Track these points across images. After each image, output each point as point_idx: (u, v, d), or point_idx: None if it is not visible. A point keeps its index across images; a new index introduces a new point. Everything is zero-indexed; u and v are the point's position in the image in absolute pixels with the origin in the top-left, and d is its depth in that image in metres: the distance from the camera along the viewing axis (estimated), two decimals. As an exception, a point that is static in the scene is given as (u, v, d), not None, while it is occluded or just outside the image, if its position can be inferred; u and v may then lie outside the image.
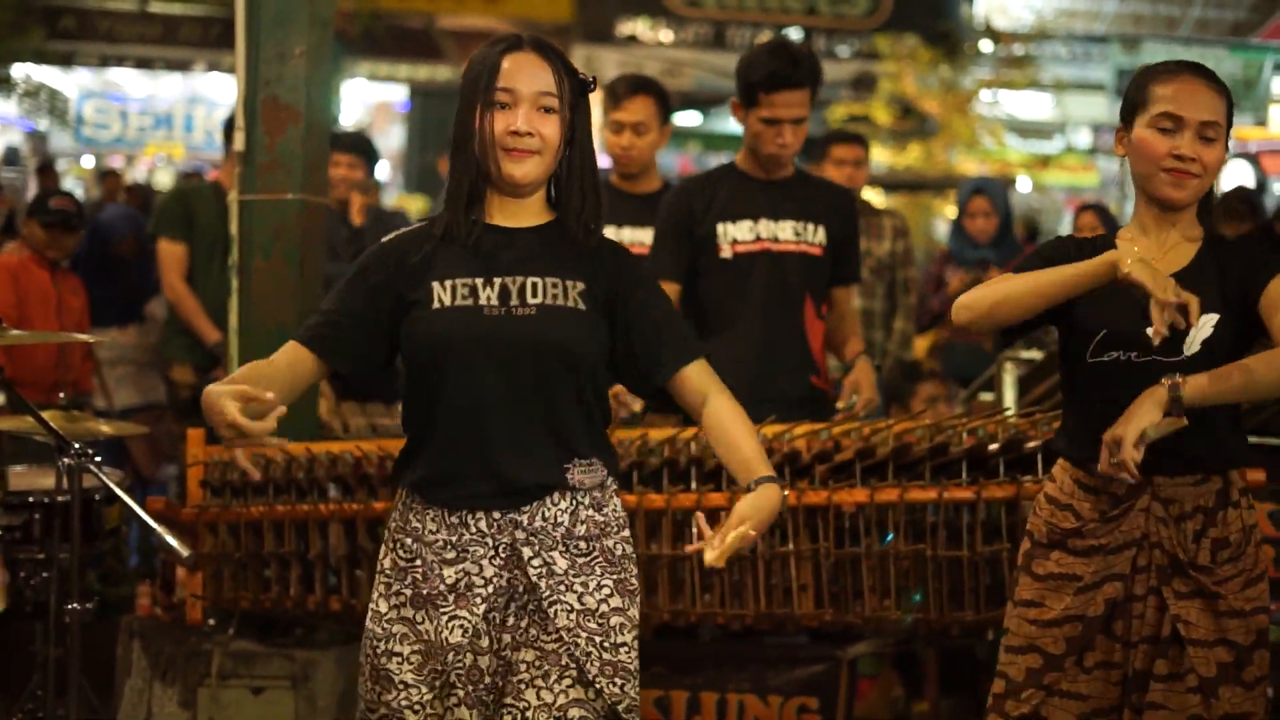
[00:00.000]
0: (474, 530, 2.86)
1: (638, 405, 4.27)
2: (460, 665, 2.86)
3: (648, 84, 5.45)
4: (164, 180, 20.19)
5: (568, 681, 2.84)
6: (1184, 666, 3.11)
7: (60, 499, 3.98)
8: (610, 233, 4.44)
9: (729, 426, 2.91)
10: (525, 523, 2.86)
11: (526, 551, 2.86)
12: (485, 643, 2.87)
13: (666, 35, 19.09)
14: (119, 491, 3.86)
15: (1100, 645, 3.16)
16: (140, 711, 4.50)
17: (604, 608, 2.88)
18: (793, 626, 4.29)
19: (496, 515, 2.86)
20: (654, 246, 4.73)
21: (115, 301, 7.01)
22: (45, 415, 3.85)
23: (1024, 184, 19.66)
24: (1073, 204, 11.80)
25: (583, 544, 2.90)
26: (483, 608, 2.85)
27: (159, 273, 6.45)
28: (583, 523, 2.90)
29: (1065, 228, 17.53)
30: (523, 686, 2.84)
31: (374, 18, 18.13)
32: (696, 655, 4.45)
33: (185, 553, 3.73)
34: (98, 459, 3.83)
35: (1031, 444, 4.05)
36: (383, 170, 19.60)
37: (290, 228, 4.67)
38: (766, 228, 4.62)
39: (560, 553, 2.87)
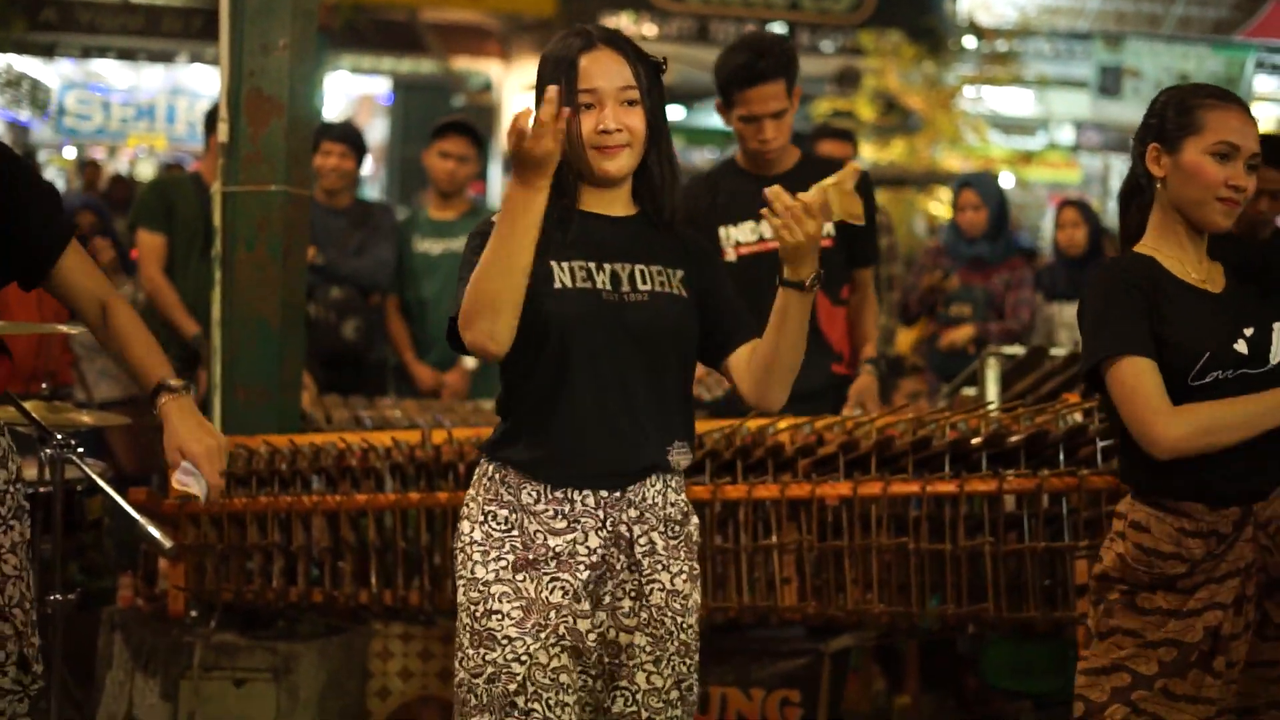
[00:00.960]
0: (582, 506, 2.91)
1: (720, 390, 4.26)
2: (566, 620, 2.88)
3: None
4: (146, 171, 20.13)
5: (667, 666, 2.93)
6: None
7: (42, 490, 3.97)
8: None
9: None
10: (634, 499, 2.93)
11: (636, 530, 2.92)
12: (586, 606, 2.90)
13: (650, 30, 19.07)
14: (100, 482, 3.84)
15: (1192, 678, 3.09)
16: (121, 703, 4.49)
17: (685, 589, 2.97)
18: (775, 620, 4.29)
19: (604, 494, 2.91)
20: None
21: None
22: (27, 405, 3.84)
23: (1007, 180, 19.66)
24: (1055, 199, 11.83)
25: (676, 527, 2.99)
26: (585, 574, 2.89)
27: (138, 264, 6.42)
28: (673, 505, 2.99)
29: (1047, 223, 17.57)
30: (635, 669, 2.91)
31: (357, 10, 18.10)
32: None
33: (167, 544, 3.72)
34: (80, 449, 3.82)
35: (1014, 438, 4.06)
36: (366, 163, 19.59)
37: (273, 219, 4.66)
38: (769, 226, 4.60)
39: (659, 533, 2.96)
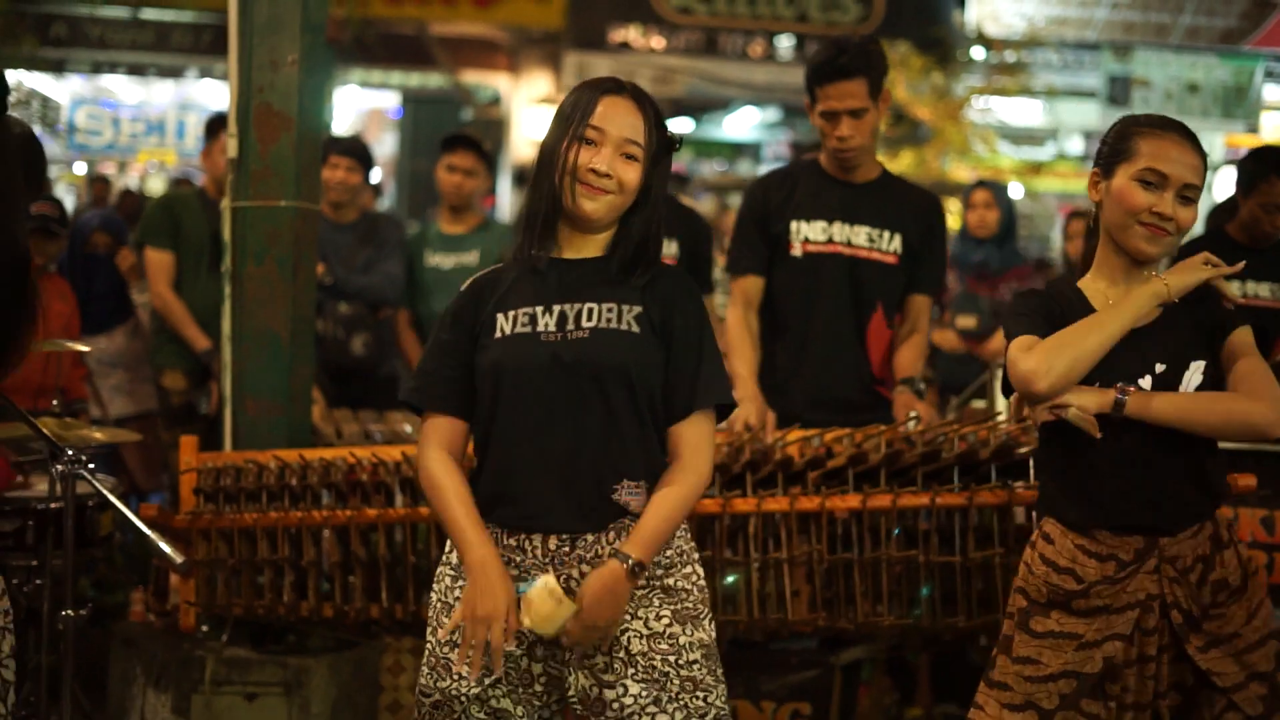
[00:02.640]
0: (533, 558, 2.94)
1: (770, 438, 4.24)
2: (512, 668, 2.93)
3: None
4: (156, 187, 20.17)
5: (671, 707, 2.91)
6: (1220, 708, 3.14)
7: (54, 505, 3.98)
8: None
9: (657, 499, 2.95)
10: (587, 556, 2.93)
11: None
12: (539, 651, 2.94)
13: (658, 42, 19.07)
14: (112, 498, 3.86)
15: (1085, 707, 3.15)
16: (134, 718, 4.50)
17: (669, 630, 2.94)
18: (786, 632, 4.29)
19: (554, 544, 2.93)
20: (733, 241, 4.77)
21: (99, 302, 6.97)
22: (39, 422, 3.85)
23: (1016, 190, 19.64)
24: (1065, 210, 11.84)
25: (640, 581, 2.95)
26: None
27: (146, 281, 6.44)
28: None
29: (1057, 234, 17.54)
30: (634, 718, 2.90)
31: (366, 25, 18.10)
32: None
33: (179, 559, 3.73)
34: (90, 465, 3.83)
35: (1023, 450, 4.06)
36: (374, 177, 19.61)
37: (283, 234, 4.68)
38: (840, 230, 4.62)
39: None
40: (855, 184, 4.67)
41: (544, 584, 2.83)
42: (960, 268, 7.64)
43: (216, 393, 5.34)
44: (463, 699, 2.92)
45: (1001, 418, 4.41)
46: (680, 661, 2.92)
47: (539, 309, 2.96)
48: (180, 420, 6.06)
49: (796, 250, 4.63)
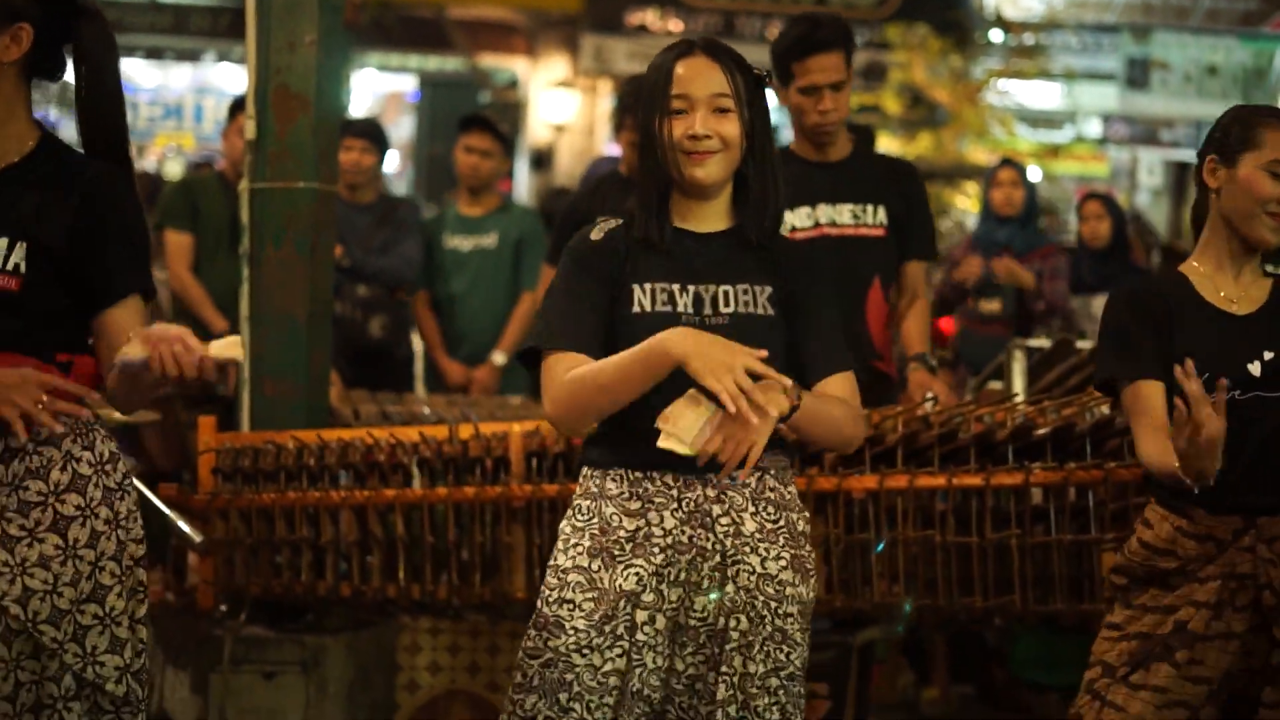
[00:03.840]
0: (658, 484, 2.92)
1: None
2: (628, 616, 2.89)
3: None
4: (174, 170, 20.17)
5: (769, 652, 2.90)
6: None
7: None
8: None
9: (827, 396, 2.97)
10: (713, 479, 2.91)
11: (716, 509, 2.91)
12: (651, 598, 2.90)
13: (676, 25, 19.04)
14: (134, 480, 3.87)
15: (1152, 669, 3.15)
16: (152, 698, 4.51)
17: (782, 575, 2.92)
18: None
19: (680, 475, 2.90)
20: None
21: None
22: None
23: (1034, 174, 19.60)
24: (1081, 193, 11.85)
25: (771, 509, 2.95)
26: (659, 558, 2.90)
27: (165, 263, 6.46)
28: (771, 490, 2.96)
29: (1074, 217, 17.50)
30: (733, 653, 2.89)
31: (384, 7, 18.10)
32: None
33: (197, 538, 3.76)
34: (109, 445, 3.84)
35: (1040, 431, 4.06)
36: (392, 160, 19.61)
37: (301, 216, 4.68)
38: (825, 213, 4.61)
39: (750, 515, 2.92)
40: (831, 163, 4.66)
41: (687, 395, 2.74)
42: (983, 249, 7.61)
43: (234, 375, 5.35)
44: (584, 651, 2.87)
45: (1018, 399, 4.41)
46: (780, 610, 2.91)
47: (675, 287, 2.94)
48: (198, 402, 6.07)
49: None
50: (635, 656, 2.91)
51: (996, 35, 19.26)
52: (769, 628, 2.91)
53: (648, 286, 2.94)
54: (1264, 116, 3.23)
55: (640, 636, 2.91)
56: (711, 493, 2.91)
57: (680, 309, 2.92)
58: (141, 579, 3.05)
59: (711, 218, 3.02)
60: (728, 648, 2.90)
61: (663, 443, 2.73)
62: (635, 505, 2.92)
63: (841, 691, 4.45)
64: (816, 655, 4.42)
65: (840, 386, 3.01)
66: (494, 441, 4.24)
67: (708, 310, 2.93)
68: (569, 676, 2.88)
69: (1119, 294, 3.35)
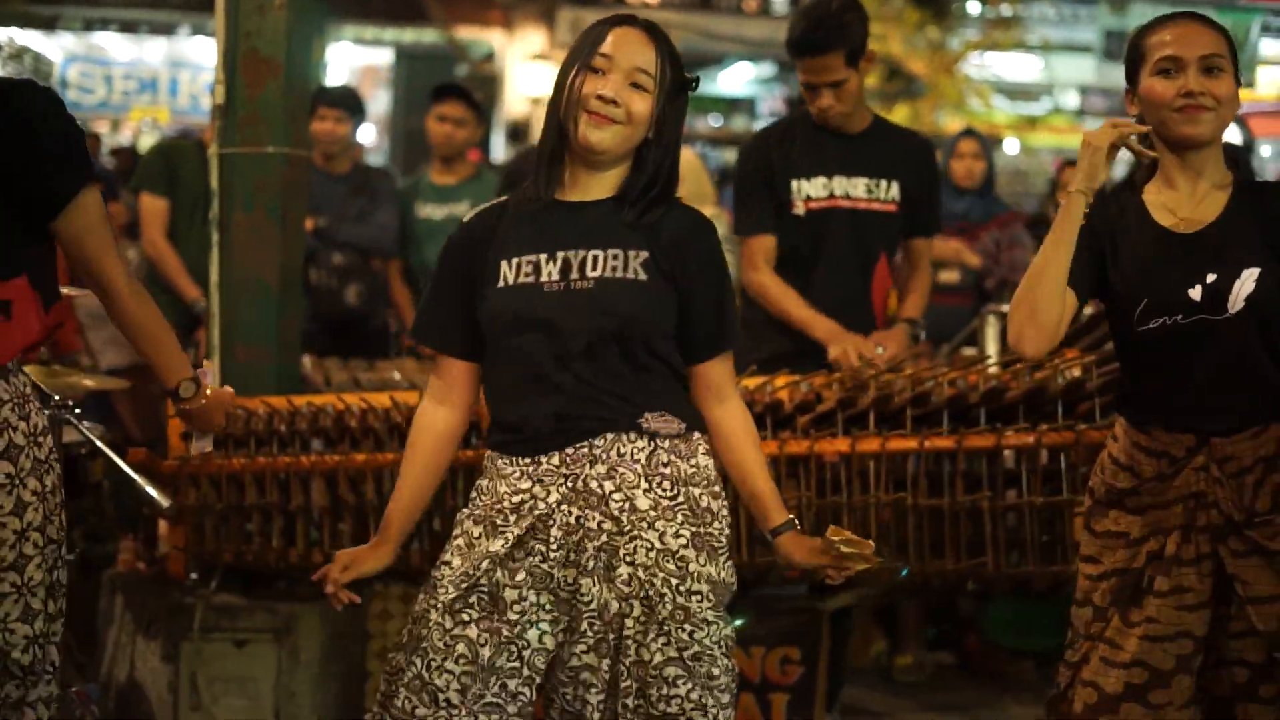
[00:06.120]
0: (547, 465, 2.89)
1: (884, 362, 4.31)
2: (488, 584, 2.88)
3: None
4: (150, 144, 20.11)
5: (656, 632, 2.84)
6: (1245, 625, 3.13)
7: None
8: None
9: (744, 449, 3.01)
10: (601, 455, 2.87)
11: (608, 485, 2.86)
12: (521, 574, 2.87)
13: (653, -2, 19.04)
14: (99, 443, 3.86)
15: (1146, 604, 3.15)
16: (123, 666, 4.50)
17: (683, 552, 2.87)
18: (775, 577, 4.30)
19: (569, 451, 2.88)
20: (739, 201, 4.73)
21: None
22: (26, 369, 3.84)
23: (1011, 145, 19.64)
24: (1058, 164, 11.83)
25: (667, 485, 2.89)
26: (532, 524, 2.87)
27: (141, 227, 6.42)
28: (666, 465, 2.90)
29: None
30: (629, 641, 2.85)
31: (360, -21, 18.07)
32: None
33: (165, 503, 3.74)
34: (77, 410, 3.82)
35: (1012, 394, 4.06)
36: (369, 133, 19.54)
37: (271, 181, 4.65)
38: (840, 184, 4.60)
39: (644, 491, 2.87)
40: (850, 135, 4.65)
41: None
42: (943, 220, 7.60)
43: (205, 341, 5.32)
44: (438, 606, 2.88)
45: (991, 361, 4.40)
46: (681, 588, 2.84)
47: (542, 257, 2.90)
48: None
49: (799, 209, 4.60)
50: (507, 633, 2.87)
51: (974, 7, 19.27)
52: (669, 606, 2.84)
53: (514, 260, 2.91)
54: (1146, 27, 3.22)
55: (512, 615, 2.87)
56: (601, 469, 2.87)
57: (544, 278, 2.88)
58: (63, 553, 3.06)
59: (596, 189, 2.96)
60: (625, 635, 2.85)
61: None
62: (526, 484, 2.90)
63: (814, 656, 4.45)
64: (789, 621, 4.46)
65: (719, 370, 3.00)
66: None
67: (574, 275, 2.88)
68: (422, 632, 2.89)
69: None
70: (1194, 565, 3.13)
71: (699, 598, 2.86)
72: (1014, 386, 4.08)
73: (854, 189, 4.61)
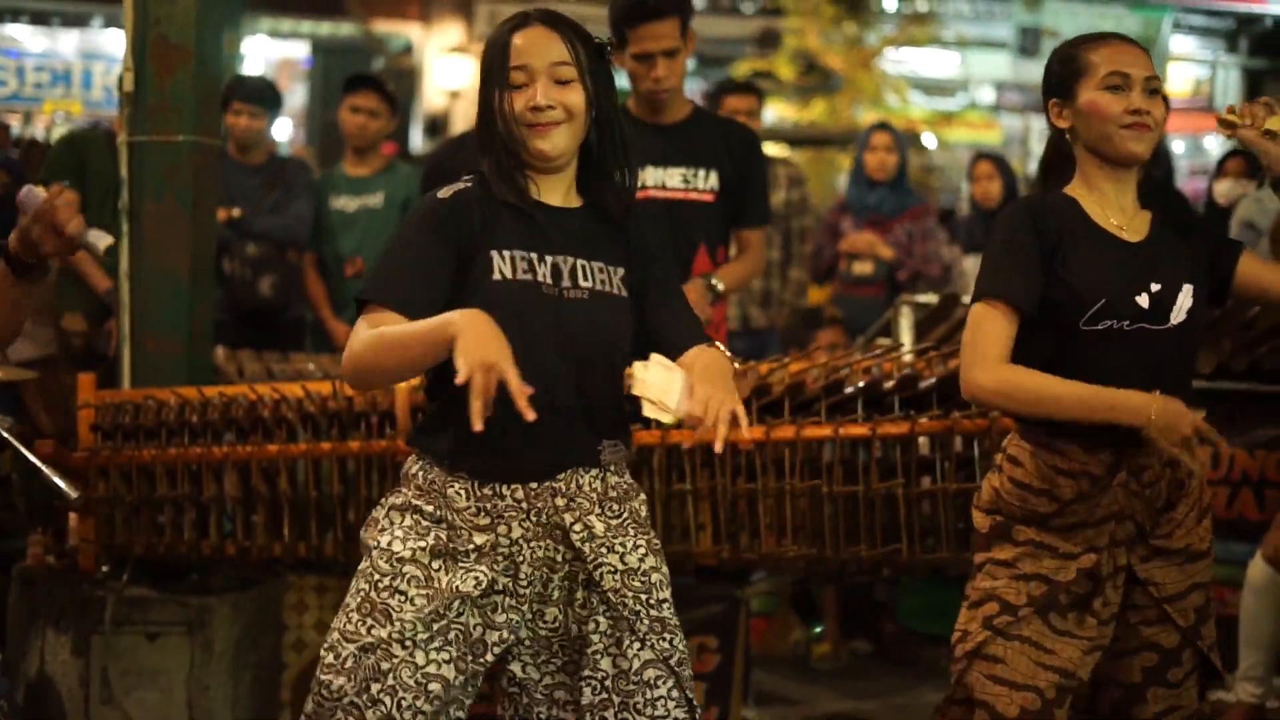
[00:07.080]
0: (509, 500, 2.84)
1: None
2: (460, 624, 2.83)
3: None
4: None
5: (637, 645, 2.84)
6: (1153, 617, 3.20)
7: (-55, 444, 3.91)
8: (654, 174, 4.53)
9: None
10: (562, 489, 2.86)
11: (568, 518, 2.85)
12: (501, 618, 2.85)
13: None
14: (6, 435, 3.81)
15: (1072, 618, 3.16)
16: (33, 660, 4.44)
17: (644, 565, 2.88)
18: (691, 565, 4.29)
19: (534, 485, 2.84)
20: None
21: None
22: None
23: (928, 140, 19.76)
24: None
25: (615, 505, 2.90)
26: (502, 565, 2.84)
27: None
28: (613, 488, 2.92)
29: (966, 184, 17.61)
30: (598, 656, 2.84)
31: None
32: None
33: (73, 494, 3.68)
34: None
35: (926, 382, 4.08)
36: (285, 127, 19.39)
37: (182, 170, 4.60)
38: (654, 175, 4.58)
39: (597, 516, 2.87)
40: (665, 125, 4.64)
41: (651, 359, 2.66)
42: (855, 213, 7.66)
43: (115, 331, 5.26)
44: (405, 644, 2.78)
45: (905, 349, 4.42)
46: (651, 601, 2.86)
47: (534, 256, 2.85)
48: (81, 363, 5.97)
49: None
50: (481, 669, 2.86)
51: (890, 3, 19.37)
52: (647, 621, 2.85)
53: (507, 254, 2.84)
54: (1082, 42, 3.23)
55: (490, 656, 2.86)
56: (561, 502, 2.85)
57: (540, 278, 2.84)
58: None
59: (558, 193, 2.94)
60: (589, 652, 2.85)
61: (648, 412, 2.63)
62: (485, 521, 2.84)
63: (730, 644, 4.46)
64: (706, 609, 4.46)
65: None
66: (379, 396, 4.19)
67: (566, 282, 2.85)
68: (385, 665, 2.77)
69: (1008, 210, 3.30)
70: (1111, 579, 3.17)
71: (668, 605, 2.90)
72: (928, 374, 4.11)
73: (669, 179, 4.60)
